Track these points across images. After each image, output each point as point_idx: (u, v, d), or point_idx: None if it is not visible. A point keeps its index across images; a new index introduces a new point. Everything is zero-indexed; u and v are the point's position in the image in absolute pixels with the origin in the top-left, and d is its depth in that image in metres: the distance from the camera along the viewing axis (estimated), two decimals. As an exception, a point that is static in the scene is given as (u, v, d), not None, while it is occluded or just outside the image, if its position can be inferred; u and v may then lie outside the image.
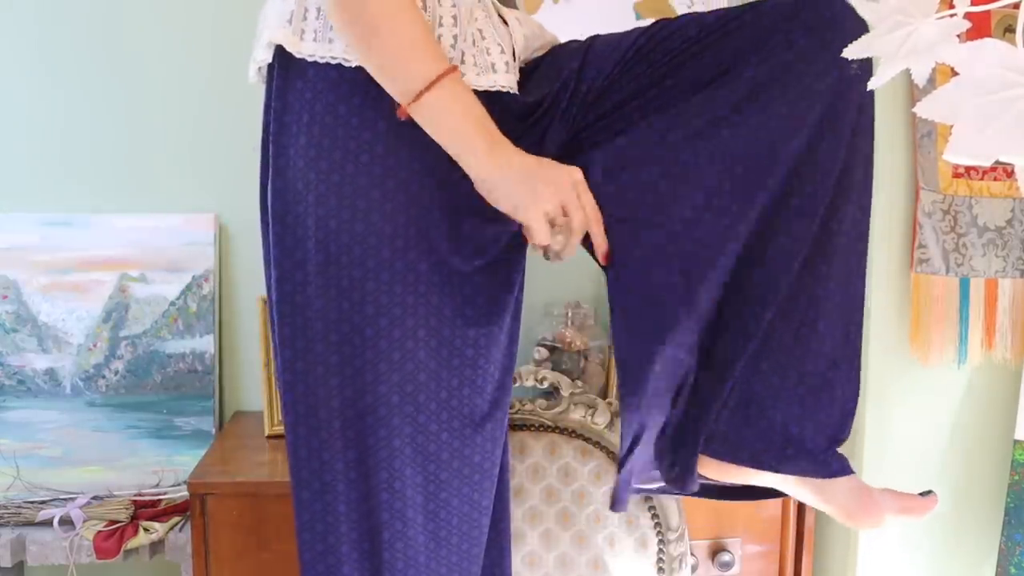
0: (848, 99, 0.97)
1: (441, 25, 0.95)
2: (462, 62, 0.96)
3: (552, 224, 0.95)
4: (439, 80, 0.89)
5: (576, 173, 0.96)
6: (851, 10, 0.93)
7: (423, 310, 0.97)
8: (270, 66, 0.98)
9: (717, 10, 1.01)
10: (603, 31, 1.08)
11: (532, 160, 0.95)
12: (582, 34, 1.11)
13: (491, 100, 0.98)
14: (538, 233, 0.94)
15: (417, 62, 0.89)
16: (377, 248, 0.94)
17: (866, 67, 0.94)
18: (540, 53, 1.10)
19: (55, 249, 1.81)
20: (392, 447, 0.99)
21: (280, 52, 0.95)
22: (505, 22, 1.04)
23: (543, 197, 0.93)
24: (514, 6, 1.10)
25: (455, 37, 0.95)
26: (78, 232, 1.82)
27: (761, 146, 0.96)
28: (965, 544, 1.69)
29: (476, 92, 0.96)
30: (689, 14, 1.03)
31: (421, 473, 1.01)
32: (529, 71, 1.06)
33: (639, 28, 1.03)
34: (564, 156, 1.00)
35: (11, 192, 1.83)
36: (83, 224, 1.82)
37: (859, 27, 0.94)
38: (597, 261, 1.03)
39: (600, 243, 1.00)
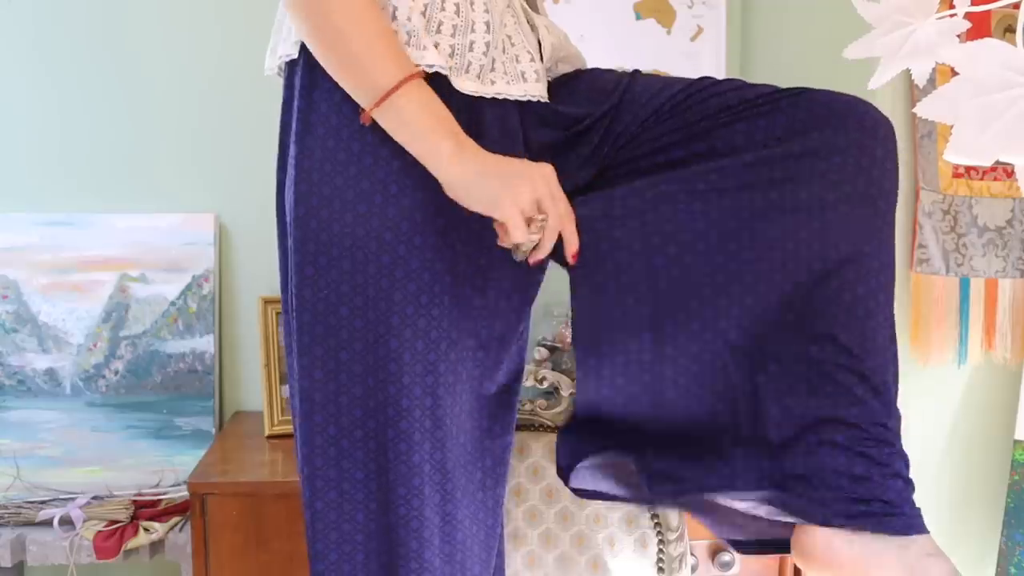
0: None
1: (473, 31, 0.94)
2: (492, 69, 0.95)
3: (528, 221, 0.92)
4: (403, 84, 0.87)
5: (547, 168, 0.93)
6: (884, 121, 0.94)
7: (447, 323, 0.96)
8: (292, 62, 0.96)
9: (760, 87, 0.99)
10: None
11: (502, 158, 0.93)
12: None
13: (522, 109, 0.97)
14: (516, 229, 0.90)
15: (382, 66, 0.88)
16: (406, 259, 0.93)
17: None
18: (567, 68, 1.08)
19: (55, 249, 1.81)
20: (412, 463, 0.97)
21: (308, 49, 0.93)
22: (534, 29, 1.03)
23: (518, 192, 0.90)
24: (536, 10, 1.09)
25: (487, 44, 0.94)
26: (78, 232, 1.82)
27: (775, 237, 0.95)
28: (965, 544, 1.69)
29: (507, 101, 0.95)
30: (733, 82, 1.01)
31: (439, 492, 0.99)
32: (559, 86, 1.05)
33: (682, 81, 1.02)
34: (586, 190, 1.00)
35: (11, 192, 1.83)
36: (83, 224, 1.82)
37: (890, 136, 0.95)
38: (564, 264, 1.00)
39: (572, 241, 0.96)
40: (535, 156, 0.98)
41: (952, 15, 0.60)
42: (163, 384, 1.82)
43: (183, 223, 1.85)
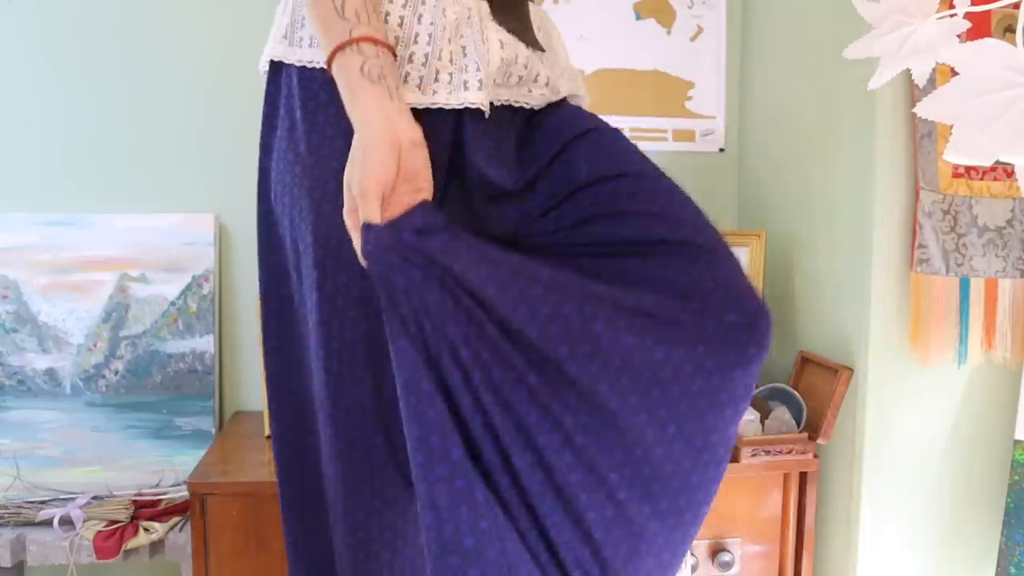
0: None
1: (416, 43, 0.95)
2: (436, 80, 0.95)
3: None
4: (351, 43, 0.87)
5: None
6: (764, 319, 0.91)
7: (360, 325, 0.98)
8: (266, 73, 1.02)
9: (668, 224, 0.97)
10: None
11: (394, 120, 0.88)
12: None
13: (466, 118, 0.97)
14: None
15: (337, 26, 0.88)
16: (337, 251, 0.93)
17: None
18: (545, 92, 1.06)
19: (55, 249, 1.81)
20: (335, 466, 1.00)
21: (272, 61, 0.99)
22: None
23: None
24: (524, 34, 1.05)
25: (426, 56, 0.95)
26: (78, 232, 1.82)
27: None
28: (965, 544, 1.69)
29: (444, 111, 0.95)
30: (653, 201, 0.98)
31: (377, 515, 1.01)
32: (531, 127, 1.05)
33: (643, 153, 1.02)
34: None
35: (11, 192, 1.83)
36: (83, 224, 1.82)
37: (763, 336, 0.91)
38: None
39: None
40: (479, 184, 0.98)
41: (952, 15, 0.60)
42: (163, 384, 1.82)
43: (183, 223, 1.85)
